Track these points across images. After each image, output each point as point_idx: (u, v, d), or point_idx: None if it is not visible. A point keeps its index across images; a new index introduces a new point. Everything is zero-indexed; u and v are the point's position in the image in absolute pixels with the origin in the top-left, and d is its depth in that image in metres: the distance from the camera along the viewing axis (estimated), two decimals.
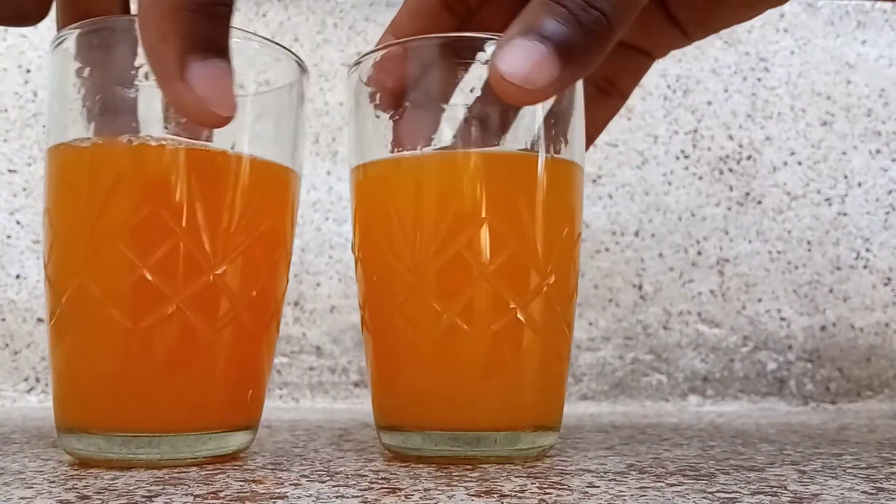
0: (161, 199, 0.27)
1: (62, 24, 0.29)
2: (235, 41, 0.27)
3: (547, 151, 0.29)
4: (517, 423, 0.28)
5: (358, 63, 0.31)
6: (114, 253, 0.26)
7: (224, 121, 0.24)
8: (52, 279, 0.28)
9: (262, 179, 0.29)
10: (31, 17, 0.27)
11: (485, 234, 0.28)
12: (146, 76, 0.26)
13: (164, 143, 0.27)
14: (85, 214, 0.27)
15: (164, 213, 0.26)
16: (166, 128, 0.27)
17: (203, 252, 0.27)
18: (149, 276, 0.26)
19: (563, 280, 0.29)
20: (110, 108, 0.27)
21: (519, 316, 0.28)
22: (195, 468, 0.27)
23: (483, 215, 0.28)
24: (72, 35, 0.28)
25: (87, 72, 0.28)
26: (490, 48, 0.28)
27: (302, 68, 0.31)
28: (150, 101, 0.27)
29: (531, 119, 0.29)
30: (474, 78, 0.29)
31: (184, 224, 0.27)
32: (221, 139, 0.28)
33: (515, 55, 0.24)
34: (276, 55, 0.30)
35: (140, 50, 0.26)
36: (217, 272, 0.27)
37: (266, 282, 0.29)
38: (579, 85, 0.31)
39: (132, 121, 0.27)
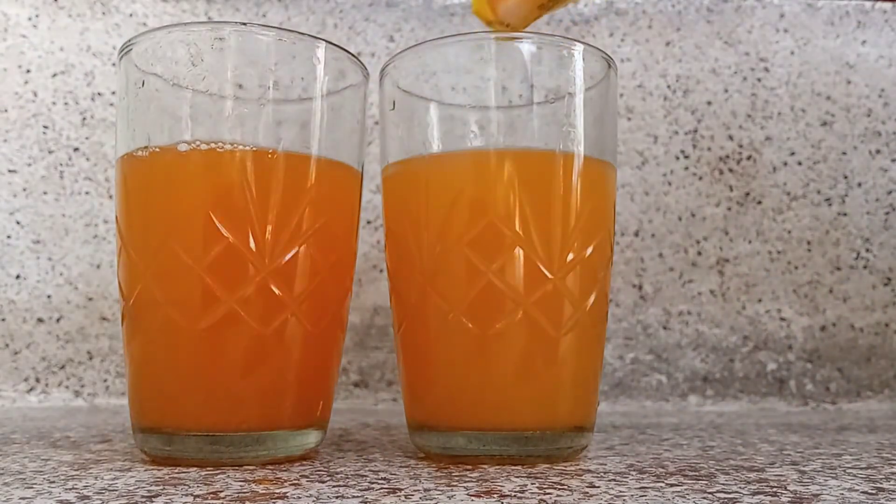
0: (213, 201, 0.27)
1: None
2: (302, 45, 0.27)
3: (585, 151, 0.29)
4: (557, 423, 0.29)
5: (389, 65, 0.31)
6: (171, 257, 0.27)
7: None
8: (121, 284, 0.29)
9: (322, 179, 0.29)
10: None
11: (519, 249, 0.28)
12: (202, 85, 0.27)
13: (214, 147, 0.27)
14: (143, 221, 0.28)
15: (218, 216, 0.27)
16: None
17: (253, 253, 0.27)
18: (205, 279, 0.27)
19: (600, 280, 0.30)
20: (170, 117, 0.28)
21: (567, 319, 0.28)
22: (195, 468, 0.27)
23: (518, 220, 0.28)
24: (136, 44, 0.28)
25: (148, 81, 0.28)
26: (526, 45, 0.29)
27: (365, 72, 0.31)
28: (207, 108, 0.27)
29: (563, 118, 0.29)
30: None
31: (239, 225, 0.27)
32: (274, 139, 0.28)
33: None
34: (339, 57, 0.30)
35: (197, 59, 0.26)
36: (269, 272, 0.27)
37: (323, 282, 0.29)
38: (614, 85, 0.31)
39: (190, 128, 0.27)
